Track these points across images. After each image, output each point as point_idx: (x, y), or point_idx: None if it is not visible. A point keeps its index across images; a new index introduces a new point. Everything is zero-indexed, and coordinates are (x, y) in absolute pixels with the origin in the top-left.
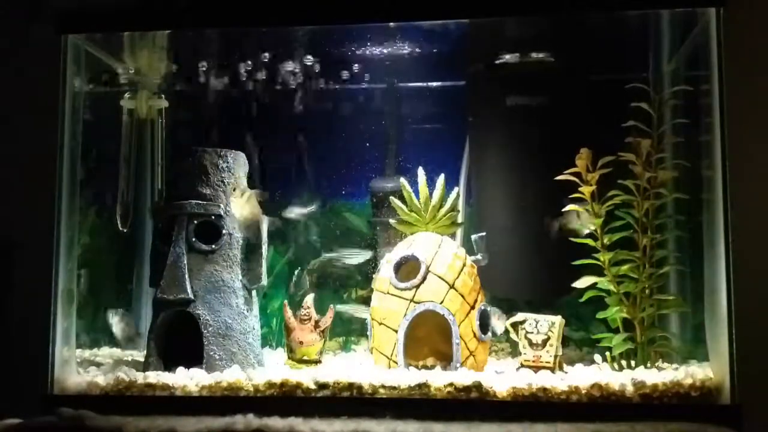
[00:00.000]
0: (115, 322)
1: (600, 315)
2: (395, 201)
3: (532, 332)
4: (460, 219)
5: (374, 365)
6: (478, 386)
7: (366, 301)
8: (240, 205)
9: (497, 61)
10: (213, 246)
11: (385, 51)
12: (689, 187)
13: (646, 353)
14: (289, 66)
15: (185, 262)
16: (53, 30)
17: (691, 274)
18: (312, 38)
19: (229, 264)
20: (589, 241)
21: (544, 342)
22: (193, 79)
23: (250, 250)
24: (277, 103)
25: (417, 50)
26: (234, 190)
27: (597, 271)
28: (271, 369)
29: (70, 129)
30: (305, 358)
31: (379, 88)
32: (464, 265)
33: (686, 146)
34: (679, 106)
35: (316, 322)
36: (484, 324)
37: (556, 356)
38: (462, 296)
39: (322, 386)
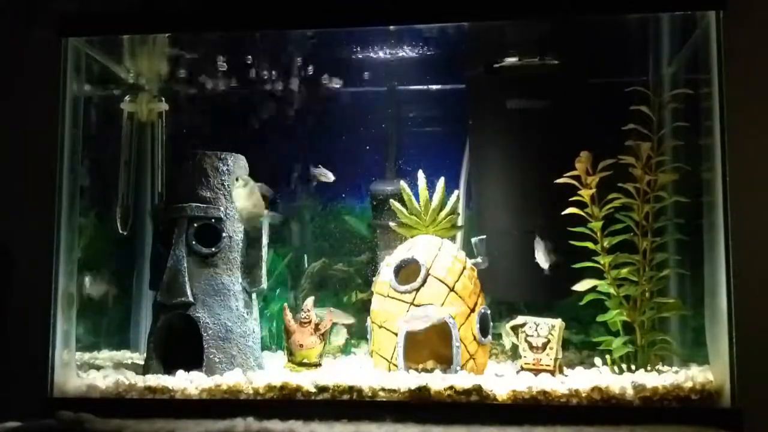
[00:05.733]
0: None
1: (600, 318)
2: (395, 204)
3: (532, 335)
4: (460, 222)
5: (374, 368)
6: (478, 389)
7: (366, 304)
8: (242, 196)
9: (497, 65)
10: (213, 249)
11: (385, 54)
12: (689, 190)
13: (647, 356)
14: (289, 69)
15: (185, 265)
16: (54, 33)
17: (691, 277)
18: (313, 41)
19: (229, 267)
20: (590, 245)
21: (545, 345)
22: (193, 81)
23: (250, 250)
24: (277, 106)
25: (417, 53)
26: (237, 180)
27: (597, 274)
28: (270, 372)
29: (71, 132)
30: (305, 361)
31: (380, 91)
32: (464, 268)
33: (686, 149)
34: (679, 109)
35: (316, 325)
36: (484, 327)
37: (556, 359)
38: (462, 299)
39: (321, 389)
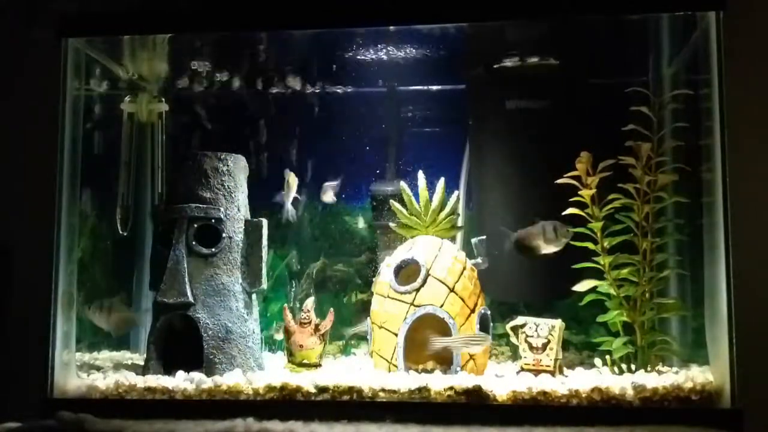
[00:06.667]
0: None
1: (600, 318)
2: (395, 204)
3: (532, 336)
4: (460, 222)
5: (374, 369)
6: (478, 390)
7: (366, 304)
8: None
9: (497, 65)
10: (213, 249)
11: (385, 55)
12: (689, 191)
13: (647, 357)
14: (290, 69)
15: (185, 265)
16: (54, 33)
17: (692, 278)
18: (313, 41)
19: (229, 267)
20: (590, 245)
21: (545, 346)
22: (193, 82)
23: (250, 250)
24: (278, 107)
25: (417, 54)
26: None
27: (597, 274)
28: (271, 372)
29: (71, 132)
30: (305, 361)
31: (380, 92)
32: (464, 268)
33: (686, 150)
34: (679, 109)
35: (316, 325)
36: (485, 327)
37: (556, 360)
38: (462, 300)
39: (322, 390)
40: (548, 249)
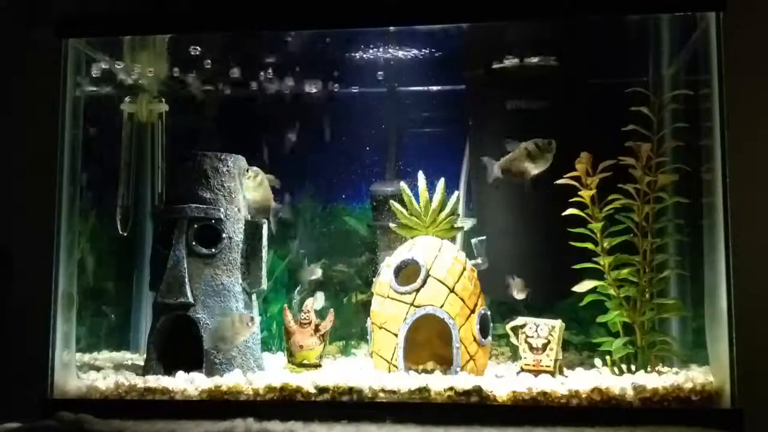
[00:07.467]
0: None
1: (600, 319)
2: (396, 205)
3: (532, 336)
4: (460, 223)
5: (374, 369)
6: (478, 390)
7: (366, 305)
8: (252, 187)
9: (497, 65)
10: (213, 250)
11: (385, 55)
12: (689, 191)
13: (647, 357)
14: (289, 70)
15: (185, 266)
16: (54, 34)
17: (692, 278)
18: (313, 42)
19: (229, 268)
20: (590, 245)
21: (545, 346)
22: (193, 82)
23: (250, 251)
24: (278, 107)
25: (417, 54)
26: (247, 170)
27: (597, 275)
28: (271, 373)
29: (71, 133)
30: (305, 362)
31: (380, 92)
32: (464, 269)
33: (686, 150)
34: (679, 110)
35: (316, 326)
36: (485, 328)
37: (556, 360)
38: (462, 300)
39: (322, 390)
40: (537, 169)
